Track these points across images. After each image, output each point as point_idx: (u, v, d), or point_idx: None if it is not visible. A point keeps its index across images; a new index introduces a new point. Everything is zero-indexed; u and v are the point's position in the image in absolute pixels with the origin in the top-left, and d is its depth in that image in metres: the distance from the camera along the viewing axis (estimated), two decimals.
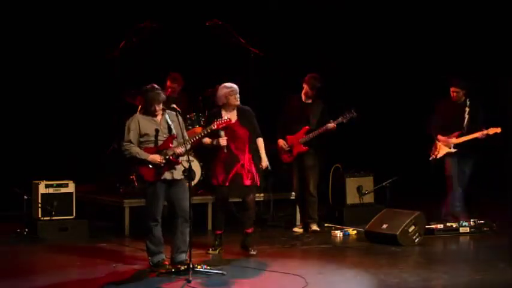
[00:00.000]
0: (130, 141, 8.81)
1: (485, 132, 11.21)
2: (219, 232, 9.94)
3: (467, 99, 11.42)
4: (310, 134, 11.24)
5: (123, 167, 11.65)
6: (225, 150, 9.67)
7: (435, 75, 13.15)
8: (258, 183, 9.89)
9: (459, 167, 11.47)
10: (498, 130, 11.22)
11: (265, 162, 9.95)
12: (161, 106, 8.86)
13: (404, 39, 14.80)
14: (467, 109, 11.38)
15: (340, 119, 11.26)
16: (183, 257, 8.84)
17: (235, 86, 9.82)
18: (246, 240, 9.91)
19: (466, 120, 11.38)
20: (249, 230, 9.90)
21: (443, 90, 11.56)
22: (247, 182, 9.75)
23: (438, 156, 11.49)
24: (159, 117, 8.90)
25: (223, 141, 9.62)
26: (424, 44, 14.84)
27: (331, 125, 11.20)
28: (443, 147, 11.47)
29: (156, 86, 8.93)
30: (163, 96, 8.89)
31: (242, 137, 9.78)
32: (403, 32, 14.75)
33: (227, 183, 9.73)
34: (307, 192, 11.37)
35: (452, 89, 11.42)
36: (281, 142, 11.33)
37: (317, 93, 11.37)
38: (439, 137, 11.50)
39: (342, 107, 11.40)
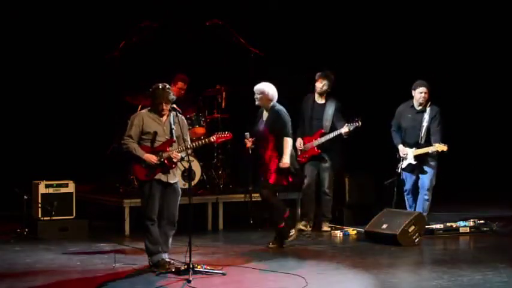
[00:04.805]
0: (130, 136, 8.82)
1: (434, 149, 10.94)
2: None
3: (428, 104, 11.15)
4: (323, 138, 11.26)
5: (123, 167, 11.69)
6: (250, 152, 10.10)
7: (436, 76, 13.17)
8: (270, 181, 10.06)
9: (420, 176, 11.23)
10: (445, 148, 10.91)
11: (283, 162, 10.07)
12: (169, 106, 8.83)
13: (404, 39, 14.82)
14: (426, 116, 11.12)
15: (346, 128, 11.16)
16: (165, 256, 8.85)
17: (256, 87, 10.19)
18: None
19: (423, 129, 11.13)
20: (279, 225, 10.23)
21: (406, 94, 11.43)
22: (261, 178, 10.16)
23: (403, 166, 11.25)
24: (164, 118, 8.86)
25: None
26: (423, 45, 14.90)
27: (344, 130, 11.18)
28: (405, 159, 11.23)
29: (167, 85, 8.91)
30: (172, 96, 8.83)
31: (264, 135, 10.12)
32: (403, 31, 14.77)
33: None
34: (322, 192, 11.47)
35: (420, 90, 11.10)
36: (298, 141, 11.38)
37: (330, 93, 11.38)
38: (400, 146, 11.27)
39: (347, 112, 11.41)
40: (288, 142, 10.08)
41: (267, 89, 10.12)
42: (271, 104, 10.14)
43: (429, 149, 11.04)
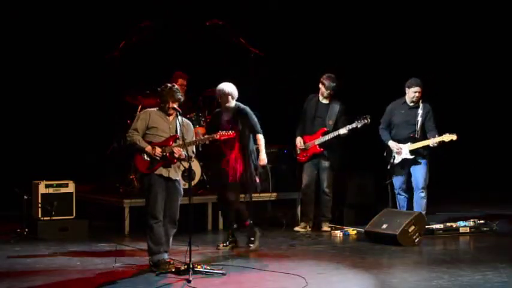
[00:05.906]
0: (136, 129, 8.91)
1: (437, 140, 10.85)
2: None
3: (420, 101, 11.12)
4: (326, 136, 11.26)
5: (123, 167, 11.69)
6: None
7: (436, 76, 13.20)
8: (237, 180, 9.99)
9: (413, 175, 11.17)
10: (454, 137, 10.80)
11: (261, 158, 10.02)
12: (175, 105, 8.88)
13: (403, 40, 14.82)
14: (420, 111, 11.09)
15: (354, 125, 11.19)
16: (165, 256, 8.87)
17: (223, 87, 9.98)
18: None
19: (418, 124, 11.08)
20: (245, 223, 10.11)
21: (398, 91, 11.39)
22: (229, 179, 9.97)
23: (395, 161, 11.18)
24: (171, 117, 8.94)
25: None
26: (422, 45, 14.91)
27: (343, 130, 11.18)
28: (397, 154, 11.16)
29: (175, 85, 9.01)
30: (179, 95, 8.90)
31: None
32: (404, 31, 14.78)
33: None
34: (322, 192, 11.45)
35: (414, 90, 11.07)
36: (297, 140, 11.41)
37: (334, 94, 11.37)
38: (391, 143, 11.22)
39: (353, 111, 11.40)
40: (262, 139, 10.04)
41: (227, 88, 9.96)
42: (234, 103, 9.99)
43: (430, 142, 10.94)
